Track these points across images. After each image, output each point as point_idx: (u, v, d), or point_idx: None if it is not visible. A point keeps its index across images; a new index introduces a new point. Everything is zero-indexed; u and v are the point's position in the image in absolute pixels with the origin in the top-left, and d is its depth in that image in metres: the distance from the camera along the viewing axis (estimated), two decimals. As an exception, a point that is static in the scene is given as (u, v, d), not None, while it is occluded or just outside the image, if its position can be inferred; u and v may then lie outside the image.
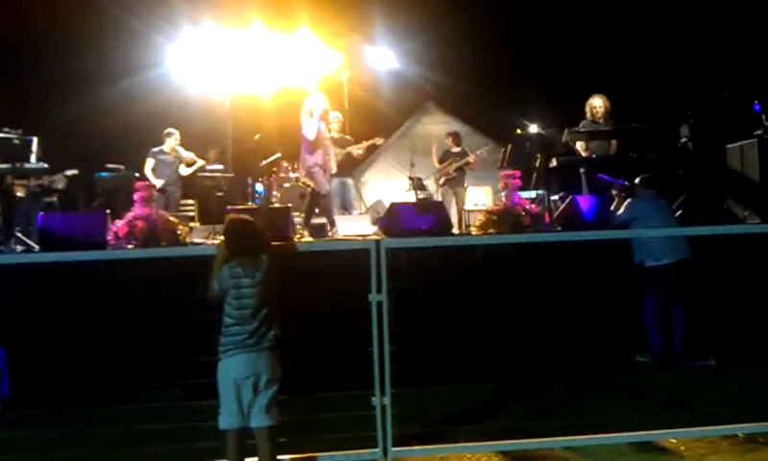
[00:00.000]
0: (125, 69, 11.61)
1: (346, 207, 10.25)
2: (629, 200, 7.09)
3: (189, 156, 10.33)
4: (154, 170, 9.92)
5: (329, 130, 9.34)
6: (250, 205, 10.87)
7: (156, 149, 10.10)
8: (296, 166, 11.42)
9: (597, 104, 9.09)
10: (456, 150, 11.33)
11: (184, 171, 10.34)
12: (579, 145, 9.11)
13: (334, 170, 9.40)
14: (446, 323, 6.48)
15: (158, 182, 9.74)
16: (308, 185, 9.28)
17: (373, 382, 4.43)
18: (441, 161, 11.31)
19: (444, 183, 11.29)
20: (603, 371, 6.31)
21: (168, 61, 11.76)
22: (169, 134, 10.17)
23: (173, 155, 10.15)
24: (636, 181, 7.20)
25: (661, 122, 9.81)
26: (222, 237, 4.28)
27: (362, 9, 12.46)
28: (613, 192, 7.57)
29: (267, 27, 11.41)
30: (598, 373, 6.27)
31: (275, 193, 11.02)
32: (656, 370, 6.45)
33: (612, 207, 7.44)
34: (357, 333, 4.49)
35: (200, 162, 10.53)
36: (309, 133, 8.79)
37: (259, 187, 11.47)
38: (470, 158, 11.09)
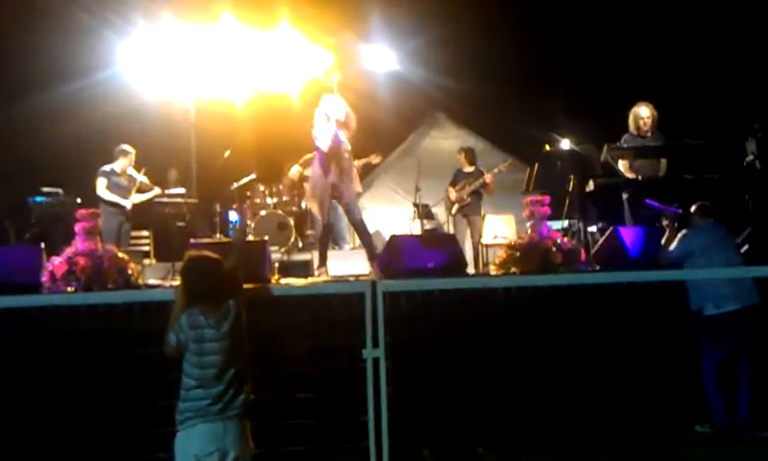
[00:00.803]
0: (65, 71, 11.56)
1: (335, 241, 10.28)
2: (683, 232, 7.09)
3: (142, 180, 10.35)
4: (110, 191, 10.01)
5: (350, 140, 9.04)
6: (218, 237, 10.89)
7: (106, 168, 10.15)
8: (274, 190, 11.49)
9: (644, 114, 9.12)
10: (469, 169, 11.38)
11: (136, 198, 10.36)
12: (621, 164, 9.14)
13: (359, 190, 9.32)
14: (458, 384, 6.43)
15: (126, 202, 9.97)
16: (311, 210, 9.17)
17: (368, 458, 4.40)
18: (452, 184, 11.33)
19: (456, 212, 11.30)
20: (655, 444, 6.27)
21: (119, 62, 11.81)
22: (123, 153, 10.23)
23: (125, 177, 10.19)
24: (693, 208, 7.21)
25: (722, 136, 9.85)
26: (180, 279, 4.29)
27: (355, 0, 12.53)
28: (665, 222, 7.58)
29: (240, 21, 11.48)
30: (649, 446, 6.22)
31: (249, 223, 11.05)
32: (719, 441, 6.42)
33: (664, 241, 7.44)
34: (348, 398, 4.47)
35: (155, 190, 10.56)
36: (324, 142, 8.66)
37: (233, 216, 11.50)
38: (487, 179, 11.10)
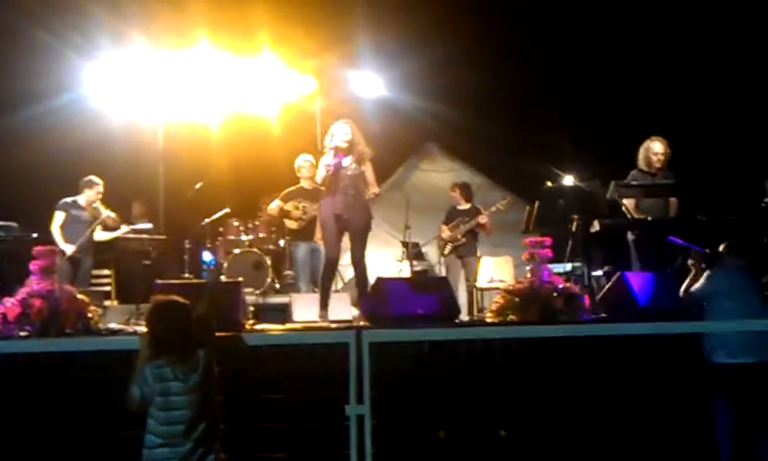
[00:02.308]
0: (22, 95, 11.59)
1: (316, 282, 10.23)
2: (709, 271, 7.07)
3: (109, 215, 10.30)
4: (63, 228, 9.92)
5: (352, 164, 8.79)
6: (188, 278, 10.84)
7: (68, 200, 10.10)
8: (250, 226, 11.47)
9: (658, 149, 9.14)
10: (464, 207, 11.38)
11: (100, 235, 10.33)
12: (628, 203, 9.17)
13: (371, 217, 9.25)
14: (451, 445, 6.41)
15: (68, 248, 9.72)
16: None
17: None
18: (446, 222, 11.34)
19: (449, 252, 11.30)
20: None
21: (84, 85, 11.81)
22: (90, 184, 10.18)
23: (90, 211, 10.15)
24: (721, 247, 7.19)
25: (739, 175, 9.90)
26: (145, 326, 4.27)
27: (340, 22, 12.56)
28: (689, 262, 7.55)
29: (217, 46, 11.55)
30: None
31: (222, 262, 11.03)
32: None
33: (688, 281, 7.39)
34: (330, 459, 4.44)
35: (123, 228, 10.50)
36: (318, 171, 8.81)
37: (206, 256, 11.46)
38: (482, 218, 11.10)
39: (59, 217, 9.97)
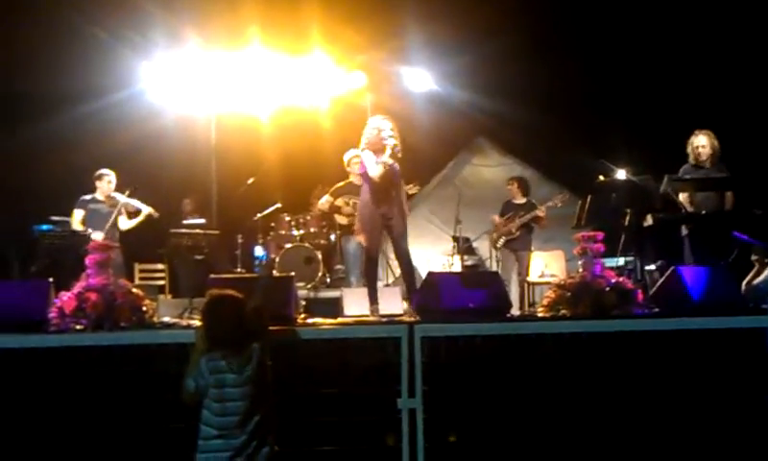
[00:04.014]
0: (80, 93, 11.73)
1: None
2: None
3: (130, 203, 10.42)
4: (84, 224, 10.11)
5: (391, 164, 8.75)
6: (240, 272, 10.92)
7: (87, 197, 10.35)
8: (301, 220, 11.53)
9: (701, 142, 9.13)
10: (521, 201, 11.36)
11: (125, 224, 10.47)
12: (682, 197, 9.09)
13: (407, 212, 9.20)
14: (503, 440, 6.37)
15: (96, 235, 9.89)
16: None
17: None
18: (501, 215, 11.30)
19: (503, 245, 11.25)
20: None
21: (141, 81, 11.96)
22: (99, 177, 10.44)
23: (108, 203, 10.30)
24: None
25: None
26: (201, 321, 4.30)
27: (389, 18, 12.54)
28: (753, 257, 7.47)
29: (269, 46, 11.63)
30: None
31: (274, 257, 11.09)
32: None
33: (750, 275, 7.31)
34: (382, 452, 4.44)
35: (144, 210, 10.58)
36: (373, 169, 8.63)
37: (258, 251, 11.53)
38: (540, 212, 11.09)
39: (77, 214, 10.25)
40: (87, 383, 6.08)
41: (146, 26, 11.80)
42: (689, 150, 9.24)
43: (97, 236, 9.82)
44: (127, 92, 11.83)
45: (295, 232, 11.39)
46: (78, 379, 6.10)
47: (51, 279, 7.80)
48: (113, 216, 10.32)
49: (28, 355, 5.79)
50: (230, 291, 4.44)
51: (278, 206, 11.57)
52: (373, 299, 8.78)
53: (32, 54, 11.74)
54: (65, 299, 7.38)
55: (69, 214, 10.54)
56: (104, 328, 7.11)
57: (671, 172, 9.08)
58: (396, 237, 8.87)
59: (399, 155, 8.71)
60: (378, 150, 8.64)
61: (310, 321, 8.05)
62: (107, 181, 10.42)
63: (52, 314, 7.32)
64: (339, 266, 11.52)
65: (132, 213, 10.56)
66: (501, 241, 11.24)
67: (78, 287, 7.51)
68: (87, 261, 7.76)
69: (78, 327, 7.20)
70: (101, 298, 7.36)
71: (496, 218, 11.27)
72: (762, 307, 7.09)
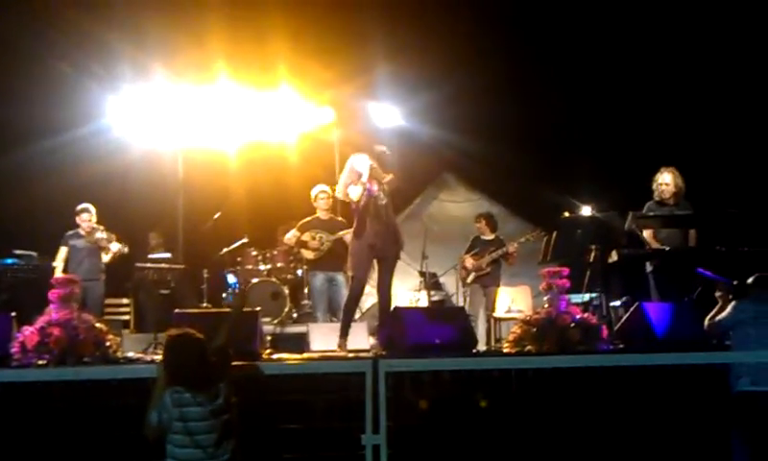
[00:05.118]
0: (44, 126, 11.66)
1: (333, 312, 10.24)
2: (734, 302, 7.05)
3: (101, 238, 10.37)
4: (66, 261, 10.08)
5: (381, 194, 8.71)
6: (206, 307, 10.88)
7: (70, 233, 10.26)
8: (267, 255, 11.52)
9: (665, 180, 9.22)
10: (489, 237, 11.39)
11: (104, 259, 10.46)
12: (647, 234, 9.18)
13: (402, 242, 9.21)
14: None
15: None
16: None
17: None
18: (468, 251, 11.32)
19: (473, 281, 11.28)
20: None
21: (106, 115, 11.91)
22: (78, 213, 10.39)
23: (87, 238, 10.27)
24: (750, 280, 7.17)
25: (759, 206, 9.87)
26: (162, 358, 4.29)
27: (357, 54, 12.62)
28: (717, 294, 7.53)
29: (236, 81, 11.67)
30: None
31: (245, 287, 11.07)
32: None
33: (714, 312, 7.36)
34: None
35: (114, 246, 10.50)
36: (353, 191, 8.55)
37: (231, 278, 11.49)
38: (510, 248, 11.12)
39: (62, 252, 10.21)
40: (49, 419, 6.02)
41: (112, 60, 11.81)
42: (654, 187, 9.32)
43: (81, 272, 9.79)
44: (93, 126, 11.76)
45: (262, 267, 11.36)
46: (40, 415, 6.04)
47: (13, 314, 7.73)
48: (98, 252, 10.36)
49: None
50: (190, 330, 4.40)
51: (245, 240, 11.53)
52: (344, 332, 8.66)
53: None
54: (27, 333, 7.30)
55: (32, 248, 10.48)
56: (67, 364, 7.06)
57: (636, 209, 9.15)
58: (382, 270, 8.84)
59: (386, 181, 8.66)
60: (355, 180, 8.65)
61: (275, 356, 8.03)
62: (84, 217, 10.35)
63: (14, 349, 7.26)
64: (306, 301, 11.48)
65: (104, 249, 10.50)
66: (471, 277, 11.27)
67: (41, 322, 7.44)
68: (50, 296, 7.70)
69: (40, 362, 7.14)
70: (64, 333, 7.28)
71: (468, 258, 11.25)
72: (725, 344, 7.16)
